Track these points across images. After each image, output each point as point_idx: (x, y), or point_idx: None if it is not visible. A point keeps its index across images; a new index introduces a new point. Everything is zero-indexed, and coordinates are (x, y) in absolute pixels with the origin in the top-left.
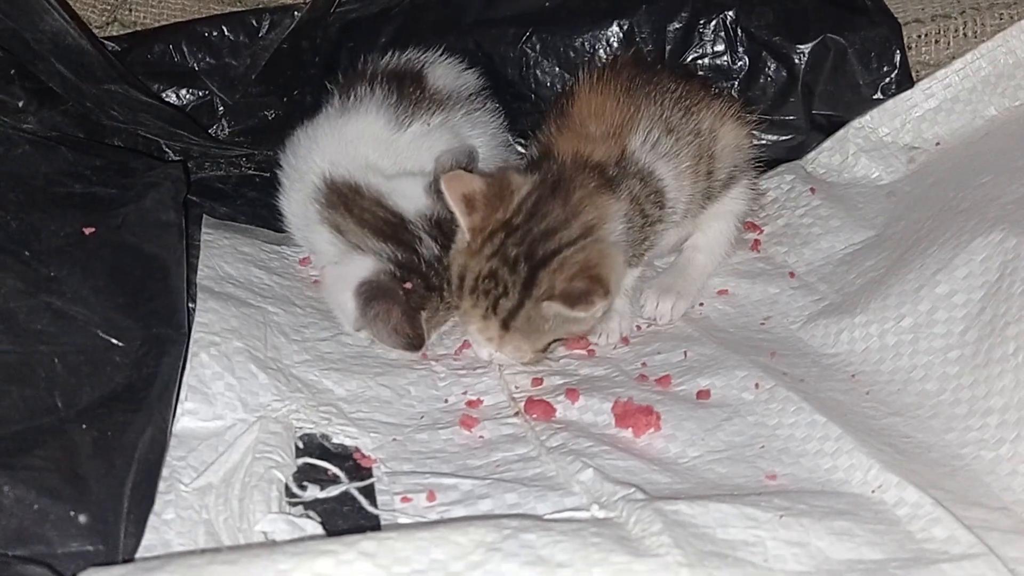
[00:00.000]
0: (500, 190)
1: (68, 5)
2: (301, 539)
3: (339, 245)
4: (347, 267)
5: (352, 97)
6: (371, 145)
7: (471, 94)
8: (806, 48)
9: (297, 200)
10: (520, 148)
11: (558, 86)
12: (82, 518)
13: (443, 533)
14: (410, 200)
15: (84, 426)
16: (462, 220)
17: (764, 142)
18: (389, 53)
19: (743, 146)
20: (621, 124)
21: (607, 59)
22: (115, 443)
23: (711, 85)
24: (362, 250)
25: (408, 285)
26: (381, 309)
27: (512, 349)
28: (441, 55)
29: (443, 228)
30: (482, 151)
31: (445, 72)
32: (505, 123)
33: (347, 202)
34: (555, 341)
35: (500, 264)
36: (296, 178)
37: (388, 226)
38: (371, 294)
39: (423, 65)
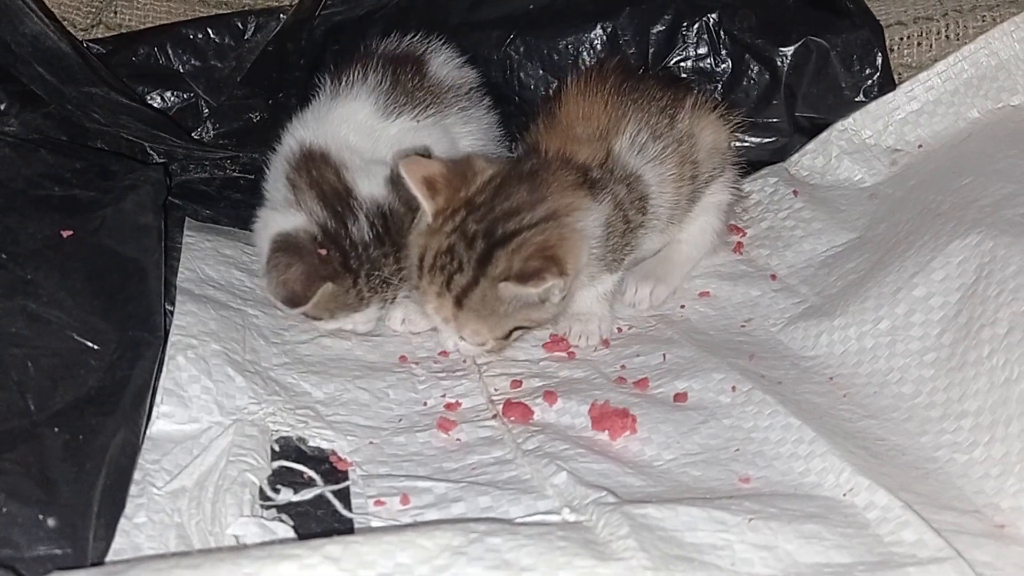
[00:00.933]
0: (463, 172)
1: (48, 8)
2: (268, 543)
3: (289, 199)
4: (278, 214)
5: (344, 81)
6: (354, 130)
7: (469, 89)
8: (789, 51)
9: (276, 161)
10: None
11: (542, 89)
12: (51, 521)
13: (409, 537)
14: (369, 183)
15: (56, 429)
16: (425, 204)
17: (747, 144)
18: (390, 36)
19: (721, 148)
20: (608, 127)
21: (595, 63)
22: (86, 446)
23: (692, 88)
24: (300, 207)
25: (323, 252)
26: (282, 260)
27: (470, 332)
28: (443, 44)
29: (387, 221)
30: (475, 150)
31: (445, 63)
32: (497, 122)
33: (310, 164)
34: (517, 329)
35: (458, 239)
36: (282, 148)
37: (332, 193)
38: (281, 244)
39: (424, 51)
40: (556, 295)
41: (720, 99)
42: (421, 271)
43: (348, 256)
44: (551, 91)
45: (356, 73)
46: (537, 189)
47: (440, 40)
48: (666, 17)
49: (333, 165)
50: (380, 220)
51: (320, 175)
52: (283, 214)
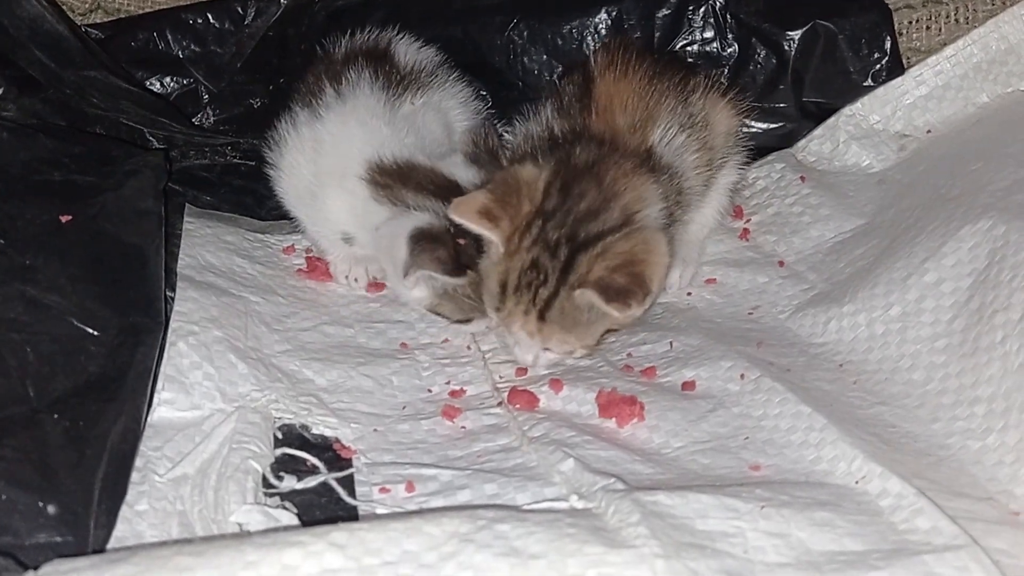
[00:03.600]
0: (512, 187)
1: None
2: (272, 530)
3: (402, 209)
4: (404, 219)
5: (346, 82)
6: (386, 124)
7: (436, 67)
8: (796, 35)
9: (348, 195)
10: (507, 134)
11: (546, 74)
12: (51, 509)
13: (416, 524)
14: (460, 172)
15: (56, 416)
16: (491, 235)
17: (754, 130)
18: (348, 34)
19: (733, 132)
20: (644, 118)
21: (616, 40)
22: (87, 433)
23: (701, 72)
24: (420, 209)
25: (462, 242)
26: (427, 246)
27: (557, 342)
28: (398, 33)
29: None
30: (461, 123)
31: (407, 48)
32: (473, 91)
33: (402, 176)
34: (608, 332)
35: (542, 250)
36: (334, 177)
37: (445, 189)
38: (420, 236)
39: (389, 42)
40: (638, 313)
41: (728, 83)
42: (504, 296)
43: (481, 243)
44: (572, 70)
45: (351, 74)
46: (605, 184)
47: (395, 29)
48: (672, 1)
49: (423, 168)
50: None
51: (420, 178)
52: (407, 218)
